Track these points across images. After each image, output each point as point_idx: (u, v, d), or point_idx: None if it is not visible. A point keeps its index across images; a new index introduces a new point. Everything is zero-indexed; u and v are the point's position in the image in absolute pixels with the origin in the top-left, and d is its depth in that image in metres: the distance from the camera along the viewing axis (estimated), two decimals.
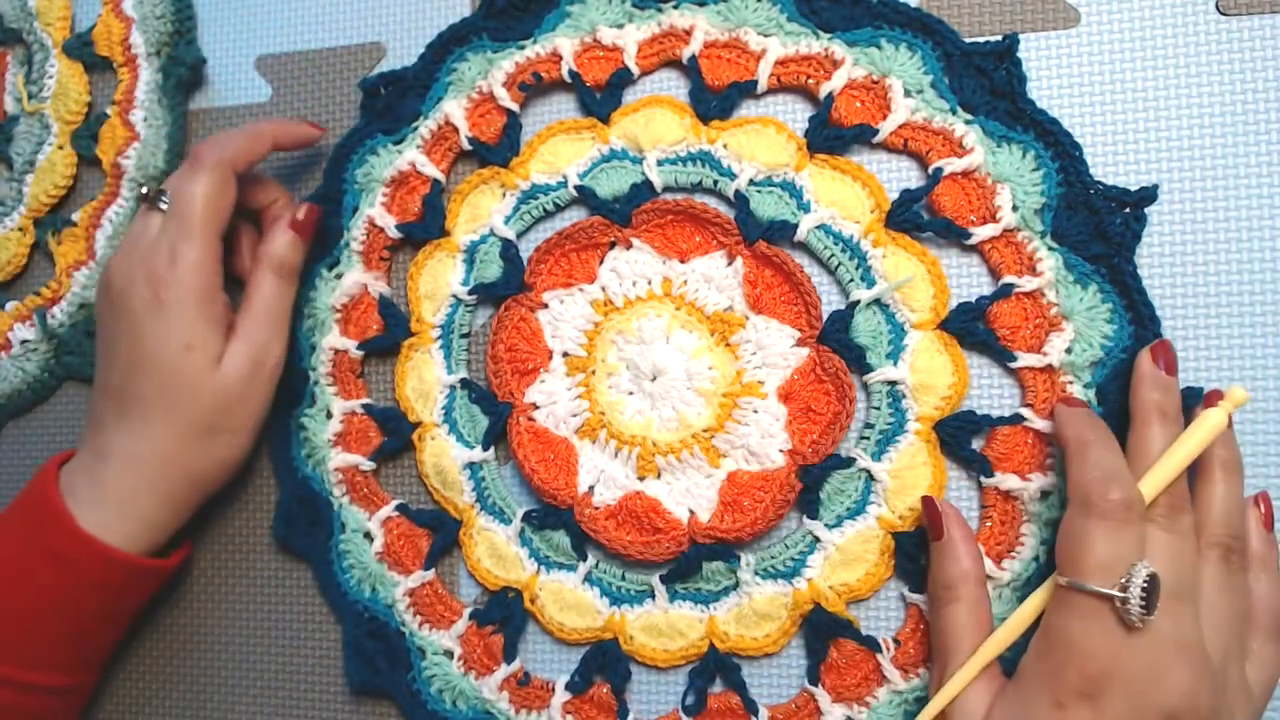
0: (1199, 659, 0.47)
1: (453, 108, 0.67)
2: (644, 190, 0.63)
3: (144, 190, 0.63)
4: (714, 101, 0.63)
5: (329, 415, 0.68)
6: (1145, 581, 0.46)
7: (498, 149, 0.66)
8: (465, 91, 0.67)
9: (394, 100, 0.69)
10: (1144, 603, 0.46)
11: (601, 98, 0.65)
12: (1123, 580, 0.46)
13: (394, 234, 0.68)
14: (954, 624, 0.53)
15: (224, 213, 0.63)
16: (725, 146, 0.62)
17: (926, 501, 0.56)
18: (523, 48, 0.66)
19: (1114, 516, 0.48)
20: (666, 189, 0.63)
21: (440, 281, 0.66)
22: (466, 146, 0.67)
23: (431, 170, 0.67)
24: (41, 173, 0.74)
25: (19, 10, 0.76)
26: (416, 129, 0.68)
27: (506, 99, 0.66)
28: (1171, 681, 0.46)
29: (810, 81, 0.61)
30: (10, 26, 0.76)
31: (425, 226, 0.67)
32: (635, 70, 0.64)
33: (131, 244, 0.63)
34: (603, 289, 0.64)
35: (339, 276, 0.69)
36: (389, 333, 0.68)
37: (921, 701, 0.57)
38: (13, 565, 0.62)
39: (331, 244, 0.69)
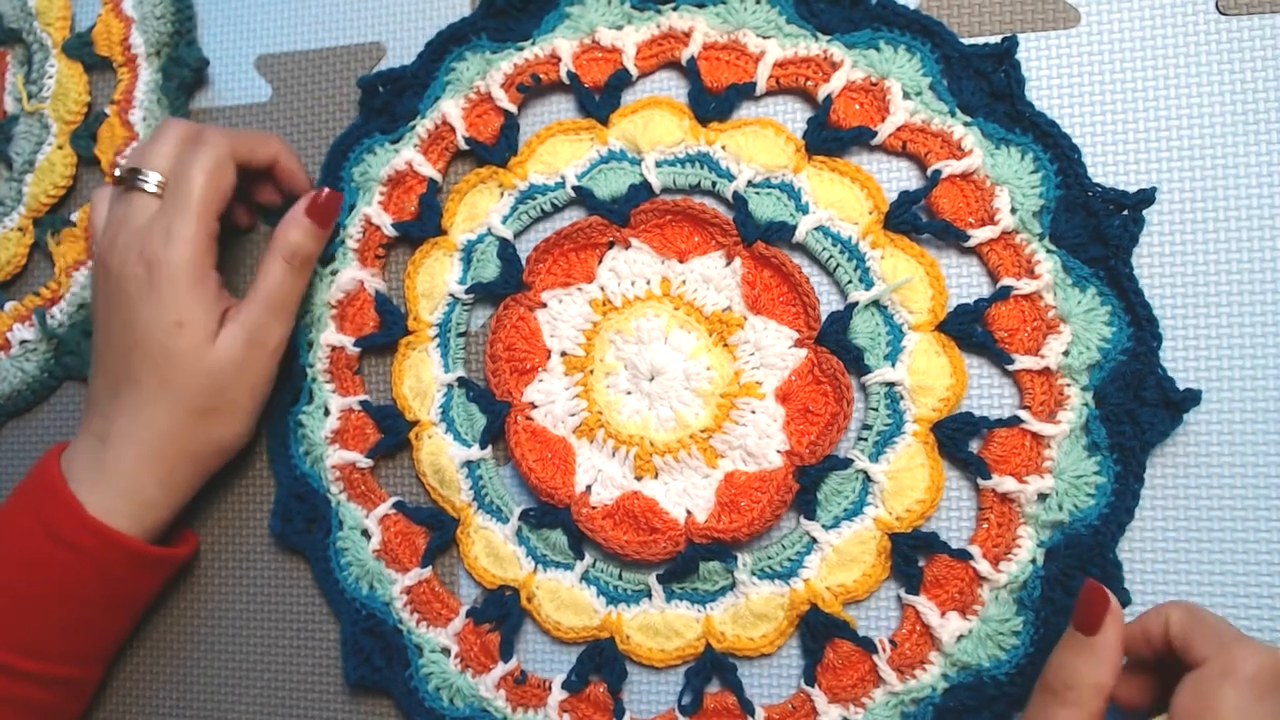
0: None
1: (450, 107, 0.67)
2: (642, 191, 0.63)
3: (118, 171, 0.63)
4: (713, 103, 0.62)
5: (326, 412, 0.68)
6: None
7: (495, 149, 0.66)
8: (463, 91, 0.67)
9: (391, 98, 0.69)
10: None
11: (600, 99, 0.65)
12: None
13: (390, 232, 0.68)
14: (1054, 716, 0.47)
15: (223, 194, 0.62)
16: (724, 148, 0.62)
17: (1092, 589, 0.49)
18: (521, 49, 0.66)
19: (1261, 684, 0.43)
20: (665, 190, 0.63)
21: (437, 280, 0.66)
22: (463, 146, 0.66)
23: (428, 170, 0.67)
24: (41, 173, 0.74)
25: (19, 10, 0.76)
26: (414, 128, 0.68)
27: (504, 100, 0.66)
28: None
29: (809, 83, 0.61)
30: (10, 26, 0.76)
31: (422, 225, 0.67)
32: (634, 72, 0.64)
33: (121, 224, 0.62)
34: (601, 289, 0.63)
35: (334, 273, 0.69)
36: (385, 330, 0.67)
37: (918, 702, 0.57)
38: (16, 552, 0.62)
39: (328, 240, 0.68)
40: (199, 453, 0.64)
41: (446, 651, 0.64)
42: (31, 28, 0.75)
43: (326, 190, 0.65)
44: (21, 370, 0.75)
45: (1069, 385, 0.57)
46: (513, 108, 0.66)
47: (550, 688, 0.62)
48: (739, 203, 0.61)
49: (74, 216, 0.74)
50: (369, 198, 0.68)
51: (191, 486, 0.65)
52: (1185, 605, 0.48)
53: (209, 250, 0.62)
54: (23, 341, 0.75)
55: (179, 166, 0.62)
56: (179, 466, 0.63)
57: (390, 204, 0.68)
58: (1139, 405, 0.55)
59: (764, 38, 0.62)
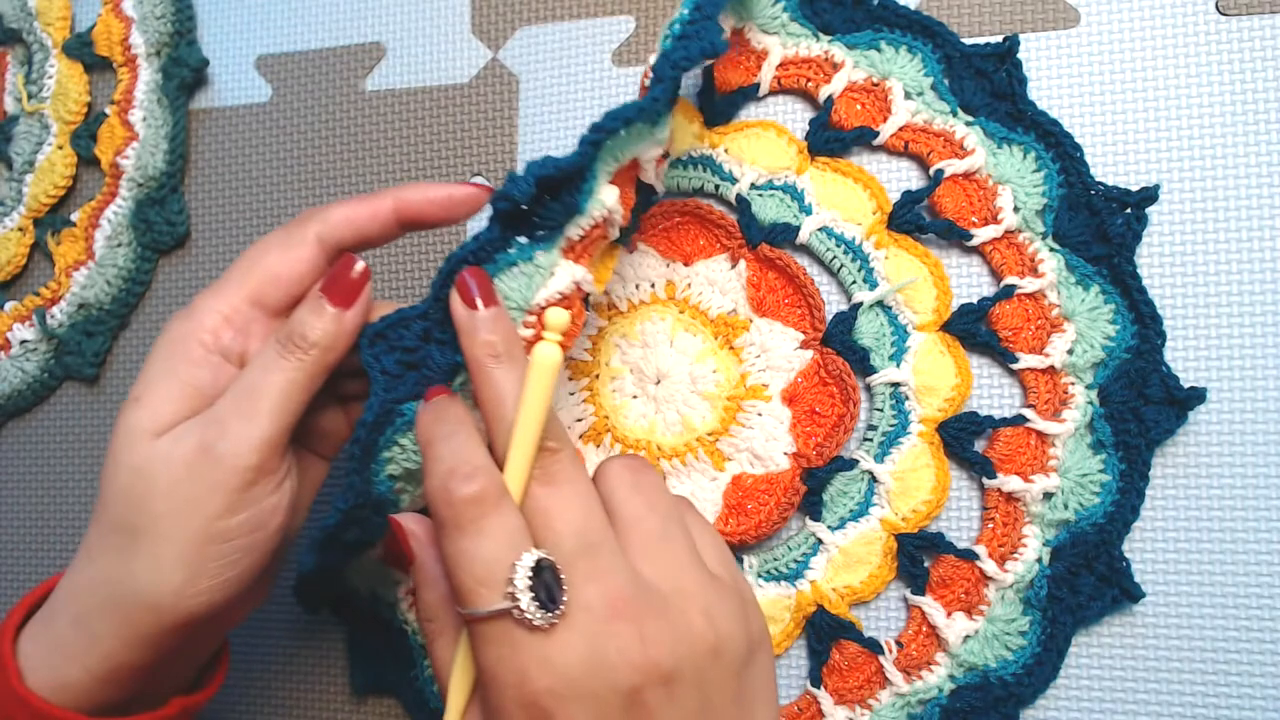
0: (640, 607, 0.41)
1: (610, 198, 0.50)
2: (647, 194, 0.62)
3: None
4: (720, 105, 0.62)
5: None
6: (530, 576, 0.40)
7: (629, 228, 0.55)
8: (610, 172, 0.51)
9: (546, 197, 0.49)
10: (539, 598, 0.39)
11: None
12: (508, 587, 0.40)
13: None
14: (441, 657, 0.45)
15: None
16: (726, 151, 0.62)
17: (392, 522, 0.48)
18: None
19: (468, 517, 0.41)
20: (668, 193, 0.63)
21: None
22: (614, 238, 0.54)
23: (591, 286, 0.52)
24: (41, 173, 0.74)
25: (19, 10, 0.76)
26: (563, 230, 0.49)
27: (655, 178, 0.56)
28: (616, 655, 0.40)
29: (810, 84, 0.61)
30: (10, 26, 0.76)
31: None
32: None
33: None
34: (605, 293, 0.63)
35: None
36: None
37: (924, 704, 0.57)
38: None
39: (437, 379, 0.50)
40: (116, 596, 0.46)
41: None
42: (31, 28, 0.75)
43: (357, 262, 0.50)
44: (21, 370, 0.75)
45: (1073, 384, 0.57)
46: (660, 185, 0.57)
47: None
48: (742, 205, 0.61)
49: (74, 216, 0.74)
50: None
51: (115, 648, 0.46)
52: (426, 437, 0.45)
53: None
54: (23, 341, 0.75)
55: (259, 371, 0.48)
56: (93, 608, 0.46)
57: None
58: (1143, 403, 0.55)
59: (767, 34, 0.62)
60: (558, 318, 0.43)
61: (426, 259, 0.69)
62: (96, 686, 0.47)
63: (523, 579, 0.40)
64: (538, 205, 0.47)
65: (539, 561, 0.40)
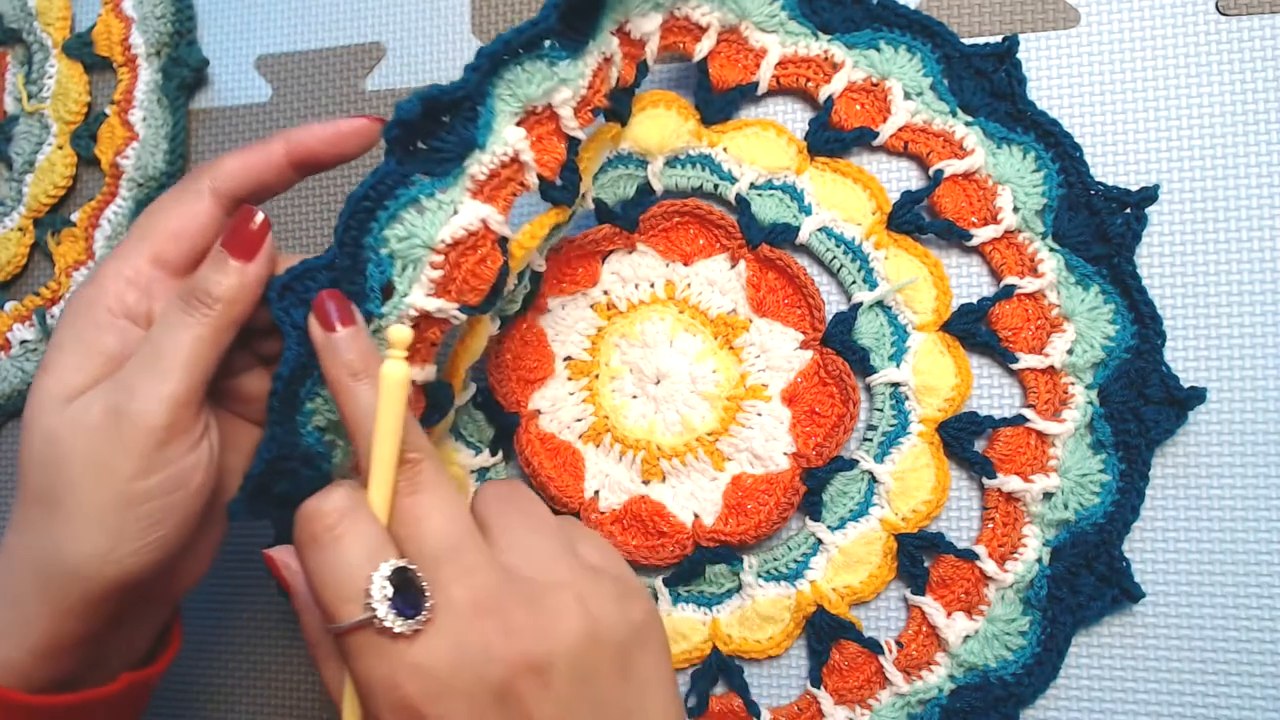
0: (506, 600, 0.41)
1: (515, 137, 0.49)
2: (647, 195, 0.62)
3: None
4: (717, 104, 0.62)
5: None
6: (386, 586, 0.40)
7: (563, 188, 0.53)
8: (516, 113, 0.50)
9: (437, 128, 0.48)
10: (397, 606, 0.40)
11: (621, 98, 0.58)
12: (366, 598, 0.40)
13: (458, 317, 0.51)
14: (331, 678, 0.45)
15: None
16: (725, 150, 0.62)
17: (265, 556, 0.47)
18: (582, 55, 0.51)
19: (322, 527, 0.41)
20: (667, 193, 0.63)
21: None
22: (534, 187, 0.51)
23: (503, 228, 0.50)
24: (41, 173, 0.74)
25: (19, 10, 0.75)
26: (465, 168, 0.48)
27: (574, 126, 0.52)
28: (482, 650, 0.40)
29: (809, 84, 0.61)
30: (10, 26, 0.76)
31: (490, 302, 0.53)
32: (651, 65, 0.59)
33: None
34: (605, 293, 0.63)
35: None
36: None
37: (924, 704, 0.57)
38: None
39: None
40: (42, 568, 0.45)
41: None
42: (31, 28, 0.75)
43: (257, 214, 0.49)
44: (21, 370, 0.74)
45: (1073, 384, 0.57)
46: (581, 134, 0.53)
47: None
48: (742, 205, 0.61)
49: (74, 216, 0.74)
50: (416, 273, 0.48)
51: (48, 622, 0.46)
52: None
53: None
54: (23, 341, 0.74)
55: (167, 326, 0.47)
56: (22, 583, 0.46)
57: (453, 281, 0.49)
58: (1143, 403, 0.56)
59: (766, 32, 0.62)
60: (399, 335, 0.44)
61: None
62: (37, 664, 0.46)
63: (379, 589, 0.40)
64: (431, 137, 0.47)
65: (396, 570, 0.40)
